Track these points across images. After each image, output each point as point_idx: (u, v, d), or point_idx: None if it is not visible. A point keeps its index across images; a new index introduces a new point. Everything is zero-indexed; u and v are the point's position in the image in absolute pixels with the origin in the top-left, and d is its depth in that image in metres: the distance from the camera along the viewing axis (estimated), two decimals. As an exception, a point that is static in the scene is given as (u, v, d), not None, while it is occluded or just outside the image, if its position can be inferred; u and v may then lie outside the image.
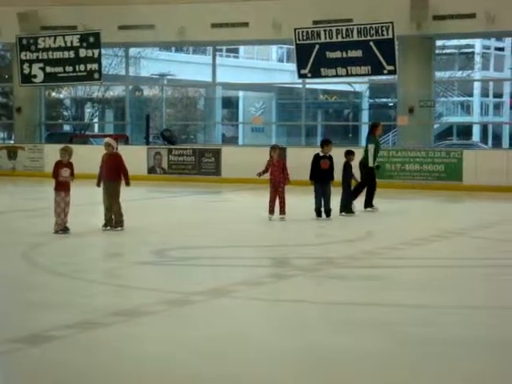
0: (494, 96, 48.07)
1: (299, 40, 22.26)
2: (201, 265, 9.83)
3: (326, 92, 39.44)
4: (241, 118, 40.48)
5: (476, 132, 43.91)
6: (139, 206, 17.00)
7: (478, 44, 46.95)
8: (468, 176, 20.47)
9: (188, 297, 7.78)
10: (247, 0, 23.70)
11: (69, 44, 24.67)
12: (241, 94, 40.36)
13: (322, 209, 13.96)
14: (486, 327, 6.84)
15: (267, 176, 14.15)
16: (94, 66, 24.67)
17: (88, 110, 37.75)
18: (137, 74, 34.63)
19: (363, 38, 21.49)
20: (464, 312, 7.41)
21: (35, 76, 25.25)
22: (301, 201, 15.85)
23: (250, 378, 5.41)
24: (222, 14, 24.09)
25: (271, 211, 13.96)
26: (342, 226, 13.41)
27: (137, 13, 24.69)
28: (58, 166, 11.99)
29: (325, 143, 14.42)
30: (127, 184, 12.45)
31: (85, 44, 24.53)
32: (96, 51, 24.52)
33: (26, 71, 25.25)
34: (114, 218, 12.26)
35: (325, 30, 21.97)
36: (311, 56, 22.12)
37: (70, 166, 12.01)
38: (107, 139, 12.98)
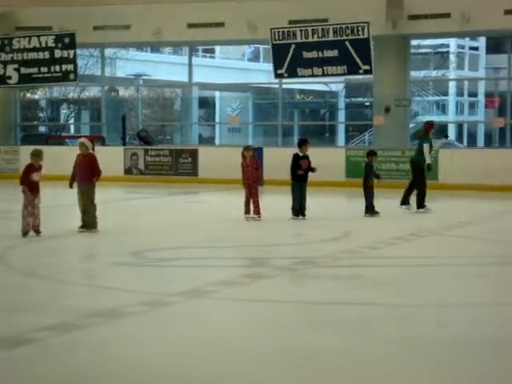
0: (469, 95, 48.37)
1: (275, 40, 22.28)
2: (179, 266, 9.81)
3: (302, 92, 39.48)
4: (217, 118, 40.42)
5: (451, 131, 44.17)
6: (116, 207, 16.93)
7: (452, 43, 47.21)
8: (444, 175, 20.59)
9: (166, 298, 7.76)
10: (223, 0, 23.69)
11: (44, 45, 24.51)
12: (217, 94, 40.29)
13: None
14: (461, 325, 6.88)
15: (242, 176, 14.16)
16: (70, 67, 24.53)
17: (64, 111, 37.53)
18: (112, 75, 34.47)
19: (339, 38, 21.55)
20: (441, 310, 7.45)
21: (10, 77, 25.06)
22: (278, 200, 15.88)
23: (228, 379, 5.40)
24: (198, 14, 24.05)
25: (247, 211, 13.97)
26: (320, 226, 13.44)
27: (112, 13, 24.59)
28: (30, 169, 11.86)
29: (303, 143, 14.44)
30: (95, 180, 12.29)
31: (60, 45, 24.38)
32: (71, 52, 24.38)
33: (1, 72, 25.04)
34: (86, 220, 12.17)
35: (301, 30, 22.01)
36: (287, 56, 22.15)
37: (40, 169, 11.91)
38: (82, 139, 12.88)
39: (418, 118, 41.03)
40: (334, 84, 36.48)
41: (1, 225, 13.75)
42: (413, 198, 15.04)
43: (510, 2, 21.29)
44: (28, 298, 7.82)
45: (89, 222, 12.15)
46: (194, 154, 23.46)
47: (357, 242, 11.48)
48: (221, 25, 23.95)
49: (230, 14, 23.79)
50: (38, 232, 11.70)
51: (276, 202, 16.04)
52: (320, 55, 21.86)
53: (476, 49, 49.48)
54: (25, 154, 23.28)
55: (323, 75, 22.63)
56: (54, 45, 24.43)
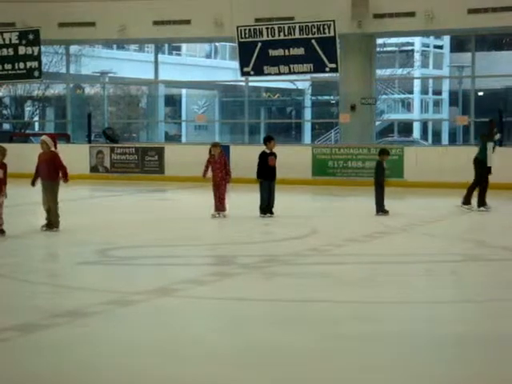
0: (434, 93, 48.79)
1: (241, 38, 22.26)
2: (144, 264, 9.76)
3: (268, 90, 39.54)
4: (184, 116, 40.32)
5: (416, 129, 44.52)
6: (82, 206, 16.81)
7: (417, 42, 47.58)
8: (409, 172, 20.74)
9: (132, 296, 7.71)
10: (189, -3, 23.64)
11: (7, 41, 24.25)
12: (184, 91, 40.19)
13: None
14: (425, 322, 6.93)
15: (210, 173, 14.12)
16: (34, 64, 24.29)
17: (28, 109, 37.16)
18: (78, 72, 34.21)
19: (305, 36, 21.60)
20: (404, 307, 7.50)
21: (-27, 74, 24.76)
22: (245, 198, 15.88)
23: (193, 378, 5.38)
24: (164, 11, 23.96)
25: (214, 209, 13.94)
26: (287, 224, 13.46)
27: (77, 10, 24.39)
28: None
29: (268, 139, 14.45)
30: (65, 181, 12.20)
31: (24, 41, 24.14)
32: (36, 49, 24.15)
33: (-36, 69, 24.74)
34: (49, 219, 12.05)
35: (267, 28, 22.02)
36: (254, 54, 22.15)
37: (3, 166, 11.76)
38: (43, 137, 12.71)
39: (383, 116, 41.36)
40: (300, 82, 36.57)
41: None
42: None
43: (473, 1, 21.50)
44: (-9, 298, 7.73)
45: (52, 221, 12.04)
46: (160, 151, 23.36)
47: (323, 240, 11.51)
48: (187, 22, 23.88)
49: (196, 12, 23.73)
50: (1, 231, 11.56)
51: (243, 199, 16.03)
52: (286, 53, 21.89)
53: (440, 47, 49.90)
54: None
55: (289, 73, 22.66)
56: (17, 41, 24.18)
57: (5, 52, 24.33)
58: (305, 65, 21.95)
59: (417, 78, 47.16)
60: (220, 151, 14.31)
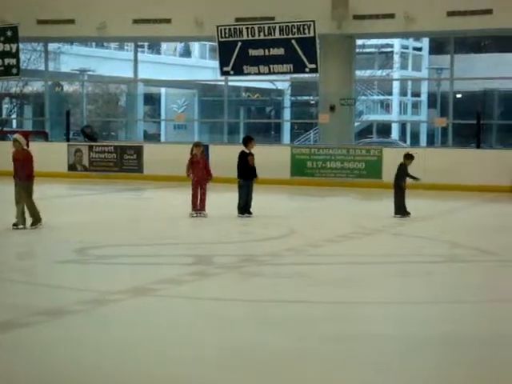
0: (412, 95, 49.04)
1: (221, 37, 22.25)
2: (123, 263, 9.74)
3: (248, 90, 39.54)
4: (163, 115, 40.23)
5: (395, 130, 44.73)
6: (60, 204, 16.74)
7: (396, 44, 47.81)
8: (388, 173, 20.81)
9: (110, 296, 7.70)
10: (169, -4, 23.60)
11: (-15, 38, 24.07)
12: (163, 90, 40.08)
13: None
14: (398, 322, 6.98)
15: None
16: (12, 61, 24.13)
17: (6, 106, 36.89)
18: (56, 70, 34.02)
19: (285, 37, 21.63)
20: (379, 308, 7.55)
21: (-50, 71, 24.56)
22: (223, 198, 15.88)
23: (172, 377, 5.39)
24: (144, 9, 23.90)
25: (194, 208, 13.96)
26: (266, 224, 13.48)
27: (56, 7, 24.26)
28: None
29: (249, 140, 14.47)
30: (27, 180, 12.03)
31: (2, 38, 23.96)
32: (14, 46, 23.99)
33: None
34: (30, 216, 11.98)
35: (247, 28, 22.03)
36: (234, 53, 22.15)
37: None
38: (16, 135, 12.58)
39: (362, 117, 41.50)
40: (279, 82, 36.61)
41: None
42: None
43: (452, 3, 21.63)
44: (-32, 297, 7.68)
45: (31, 219, 11.98)
46: (139, 150, 23.30)
47: (301, 240, 11.55)
48: (167, 21, 23.83)
49: (177, 11, 23.69)
50: None
51: (222, 199, 16.03)
52: (266, 53, 21.91)
53: (419, 49, 50.16)
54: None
55: (269, 73, 22.67)
56: (-4, 38, 24.01)
57: (-17, 49, 24.14)
58: (284, 65, 21.97)
59: (396, 79, 47.38)
60: (202, 151, 14.34)
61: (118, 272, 9.28)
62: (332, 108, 22.85)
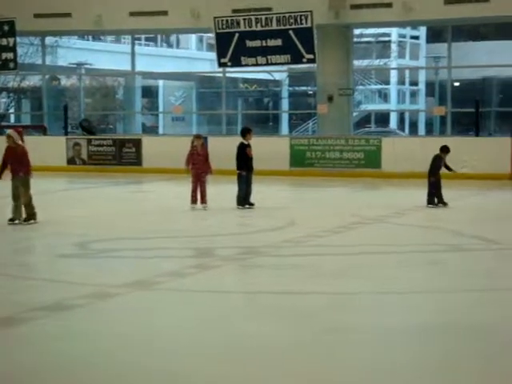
0: (410, 84, 48.94)
1: (219, 29, 22.21)
2: (124, 257, 9.73)
3: (246, 81, 39.46)
4: (161, 108, 40.16)
5: (393, 119, 44.68)
6: (59, 198, 16.73)
7: (394, 33, 47.69)
8: (387, 163, 20.84)
9: (112, 290, 7.70)
10: (166, -12, 23.53)
11: (-18, 32, 24.01)
12: (161, 83, 40.00)
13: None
14: (402, 312, 6.98)
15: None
16: (10, 55, 24.09)
17: (3, 100, 36.82)
18: (54, 63, 33.92)
19: (282, 27, 21.59)
20: (381, 298, 7.55)
21: None
22: (223, 190, 15.87)
23: (176, 371, 5.39)
24: (141, 2, 23.85)
25: (194, 201, 13.95)
26: (265, 216, 13.48)
27: (53, 1, 24.20)
28: None
29: (247, 131, 14.46)
30: (26, 176, 12.00)
31: (-1, 32, 23.92)
32: (11, 40, 23.94)
33: None
34: (25, 212, 11.94)
35: (244, 19, 21.98)
36: (231, 45, 22.11)
37: None
38: (9, 131, 12.52)
39: (361, 107, 41.44)
40: (277, 73, 36.54)
41: None
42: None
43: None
44: (-30, 292, 7.68)
45: (27, 214, 11.94)
46: (137, 143, 23.28)
47: (301, 231, 11.55)
48: (164, 13, 23.77)
49: (173, 3, 23.63)
50: None
51: (221, 191, 16.02)
52: (264, 44, 21.87)
53: (417, 38, 50.05)
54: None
55: (267, 64, 22.65)
56: (-8, 32, 23.96)
57: (-20, 43, 24.09)
58: (282, 56, 21.94)
59: (393, 68, 47.29)
60: (202, 143, 14.33)
61: (119, 266, 9.27)
62: (330, 98, 22.82)
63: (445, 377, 5.27)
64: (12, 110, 37.38)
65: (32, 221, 11.96)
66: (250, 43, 22.03)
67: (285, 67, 29.01)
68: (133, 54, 26.49)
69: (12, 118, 36.96)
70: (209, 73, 35.47)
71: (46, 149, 23.03)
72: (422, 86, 45.43)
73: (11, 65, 24.31)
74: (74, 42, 36.23)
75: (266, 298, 7.52)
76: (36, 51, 31.27)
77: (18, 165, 11.98)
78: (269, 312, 6.95)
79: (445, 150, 14.50)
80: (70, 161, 23.76)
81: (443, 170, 14.36)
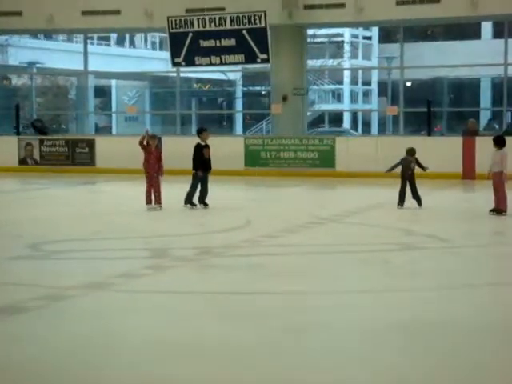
0: (363, 84, 49.36)
1: (172, 28, 22.13)
2: (78, 258, 9.64)
3: (199, 81, 39.38)
4: (114, 108, 39.86)
5: (346, 119, 45.01)
6: (11, 199, 16.50)
7: (347, 33, 48.04)
8: (340, 163, 20.97)
9: (66, 291, 7.61)
10: (119, -13, 23.35)
11: None
12: (113, 82, 39.70)
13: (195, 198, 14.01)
14: (358, 311, 7.04)
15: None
16: (-41, 54, 23.70)
17: (-47, 100, 36.17)
18: (4, 63, 33.46)
19: (236, 27, 21.60)
20: (337, 297, 7.59)
21: None
22: (178, 190, 15.80)
23: (132, 371, 5.35)
24: (93, 1, 23.62)
25: (149, 201, 13.87)
26: (221, 215, 13.47)
27: (3, -1, 23.86)
28: None
29: (200, 131, 14.45)
30: None
31: None
32: (-40, 38, 23.56)
33: None
34: None
35: (198, 19, 21.94)
36: (185, 44, 22.05)
37: None
38: None
39: (314, 107, 41.65)
40: (231, 73, 36.54)
41: None
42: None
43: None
44: None
45: None
46: (91, 143, 23.08)
47: (257, 231, 11.56)
48: (117, 12, 23.59)
49: (126, 2, 23.46)
50: None
51: (176, 191, 15.95)
52: (217, 44, 21.85)
53: (369, 38, 50.49)
54: None
55: (221, 64, 22.65)
56: None
57: None
58: (236, 55, 21.95)
59: (346, 68, 47.64)
60: (156, 144, 14.26)
61: (72, 267, 9.16)
62: (284, 98, 22.88)
63: (399, 374, 5.32)
64: (-38, 110, 36.76)
65: None
66: (203, 43, 21.99)
67: (239, 67, 29.04)
68: (85, 53, 26.25)
69: (-39, 118, 36.34)
70: (162, 72, 35.33)
71: (-3, 149, 22.71)
72: (374, 86, 45.84)
73: (-39, 64, 23.93)
74: (25, 41, 35.78)
75: (223, 299, 7.51)
76: (-14, 50, 30.79)
77: None
78: (226, 313, 6.94)
79: (412, 152, 14.27)
80: (22, 161, 23.46)
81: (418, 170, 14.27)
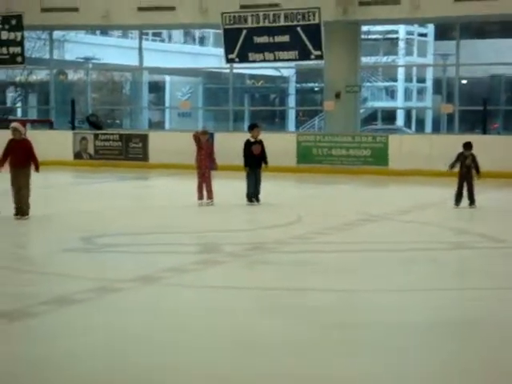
0: (418, 81, 48.85)
1: (226, 24, 22.18)
2: (130, 252, 9.73)
3: (253, 77, 39.45)
4: (167, 103, 40.17)
5: (400, 117, 44.60)
6: (65, 192, 16.73)
7: (401, 30, 47.60)
8: (393, 160, 20.78)
9: (117, 284, 7.69)
10: (174, -17, 23.49)
11: (-10, 26, 24.04)
12: (167, 78, 40.02)
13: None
14: (405, 310, 6.96)
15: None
16: (17, 50, 24.10)
17: (10, 94, 36.88)
18: (61, 58, 33.96)
19: (290, 23, 21.55)
20: (384, 295, 7.52)
21: (-45, 59, 24.53)
22: (229, 186, 15.86)
23: (182, 366, 5.37)
24: (149, -3, 23.81)
25: (200, 197, 13.93)
26: (272, 212, 13.46)
27: (60, -5, 24.18)
28: None
29: (253, 127, 14.47)
30: (36, 170, 12.02)
31: (7, 26, 23.93)
32: (18, 34, 23.96)
33: None
34: (22, 206, 11.84)
35: (252, 15, 21.95)
36: (239, 41, 22.09)
37: None
38: (14, 124, 12.44)
39: (367, 104, 41.39)
40: (285, 69, 36.50)
41: None
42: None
43: (458, -11, 21.48)
44: (-25, 286, 7.68)
45: (24, 209, 11.89)
46: (144, 138, 23.28)
47: (308, 228, 11.53)
48: (171, 9, 23.73)
49: (181, -2, 23.58)
50: None
51: (228, 187, 16.01)
52: (271, 40, 21.84)
53: (425, 35, 49.93)
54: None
55: (274, 60, 22.62)
56: (0, 26, 23.96)
57: (-13, 37, 24.13)
58: (290, 52, 21.91)
59: (401, 65, 47.19)
60: (207, 139, 14.32)
61: (124, 260, 9.26)
62: (337, 95, 22.75)
63: (452, 372, 5.25)
64: (19, 104, 37.44)
65: (26, 216, 11.86)
66: (257, 39, 22.00)
67: (292, 63, 28.97)
68: (140, 49, 26.48)
69: (19, 112, 37.01)
70: (216, 68, 35.46)
71: (52, 143, 23.05)
72: (429, 84, 45.34)
73: (19, 59, 24.33)
74: (81, 37, 36.28)
75: (273, 294, 7.50)
76: (43, 45, 31.30)
77: (22, 158, 11.93)
78: (274, 308, 6.93)
79: (466, 146, 13.87)
80: (77, 155, 23.78)
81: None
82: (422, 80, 47.77)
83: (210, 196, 13.92)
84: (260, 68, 31.42)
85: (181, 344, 5.85)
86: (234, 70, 26.31)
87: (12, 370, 5.26)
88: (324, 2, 21.65)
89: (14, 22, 23.86)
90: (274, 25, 21.68)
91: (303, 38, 21.42)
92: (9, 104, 36.38)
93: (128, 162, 23.00)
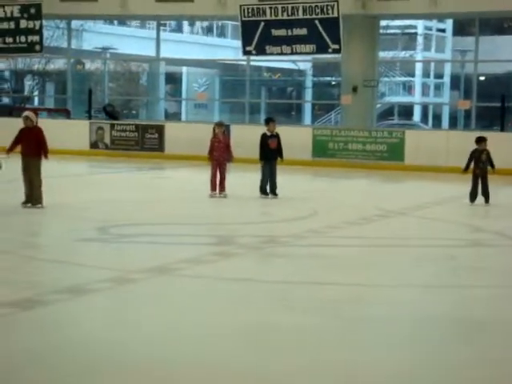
0: (435, 77, 48.60)
1: (244, 17, 22.14)
2: (144, 242, 9.74)
3: (269, 69, 39.39)
4: (184, 94, 40.18)
5: (417, 112, 44.40)
6: (81, 182, 16.77)
7: (420, 25, 47.34)
8: (409, 156, 20.71)
9: (132, 275, 7.71)
10: (192, -25, 23.45)
11: (9, 15, 24.11)
12: (184, 69, 40.02)
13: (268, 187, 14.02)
14: (423, 305, 6.94)
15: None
16: (35, 38, 24.17)
17: (28, 83, 36.99)
18: (79, 47, 34.03)
19: (308, 17, 21.48)
20: (397, 291, 7.50)
21: (-26, 47, 24.64)
22: (244, 178, 15.85)
23: (194, 357, 5.38)
24: (167, -12, 23.79)
25: (213, 188, 13.93)
26: (288, 205, 13.44)
27: (79, -16, 24.21)
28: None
29: (268, 121, 14.45)
30: (45, 157, 11.99)
31: (26, 15, 23.99)
32: (37, 23, 24.02)
33: (-35, 42, 24.62)
34: (34, 194, 11.87)
35: (270, 8, 21.90)
36: (256, 33, 22.04)
37: None
38: (26, 112, 12.44)
39: (384, 99, 41.23)
40: (302, 62, 36.42)
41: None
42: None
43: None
44: (-9, 273, 7.71)
45: (35, 197, 11.89)
46: (160, 129, 23.31)
47: (323, 222, 11.51)
48: (190, 0, 23.71)
49: (200, -11, 23.55)
50: None
51: (242, 179, 16.01)
52: (289, 33, 21.78)
53: (443, 31, 49.65)
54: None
55: (292, 53, 22.56)
56: (19, 15, 24.04)
57: (6, 25, 24.20)
58: (307, 45, 21.84)
59: (419, 61, 46.95)
60: (223, 131, 14.32)
61: (138, 251, 9.27)
62: (354, 89, 22.67)
63: (461, 371, 5.23)
64: (36, 93, 37.54)
65: (39, 205, 11.88)
66: (275, 32, 21.94)
67: (309, 57, 28.89)
68: (158, 39, 26.49)
69: (36, 101, 37.13)
70: (233, 60, 35.42)
71: (69, 132, 23.13)
72: (446, 79, 45.09)
73: (37, 47, 24.40)
74: (99, 27, 36.31)
75: (286, 288, 7.49)
76: (62, 35, 31.36)
77: (34, 146, 11.93)
78: (288, 301, 6.93)
79: (479, 140, 13.71)
80: (93, 145, 23.84)
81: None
82: (439, 76, 47.51)
83: (222, 188, 13.91)
84: (277, 61, 31.34)
85: (195, 338, 5.85)
86: (251, 63, 26.28)
87: (25, 358, 5.28)
88: (343, -5, 21.55)
89: (33, 10, 23.92)
90: (292, 18, 21.62)
91: (321, 32, 21.35)
92: (26, 92, 36.49)
93: (144, 153, 23.04)
